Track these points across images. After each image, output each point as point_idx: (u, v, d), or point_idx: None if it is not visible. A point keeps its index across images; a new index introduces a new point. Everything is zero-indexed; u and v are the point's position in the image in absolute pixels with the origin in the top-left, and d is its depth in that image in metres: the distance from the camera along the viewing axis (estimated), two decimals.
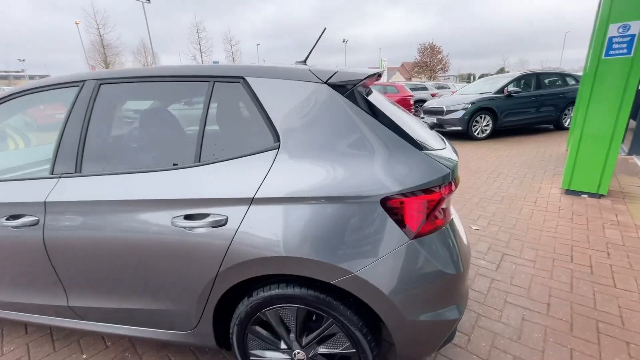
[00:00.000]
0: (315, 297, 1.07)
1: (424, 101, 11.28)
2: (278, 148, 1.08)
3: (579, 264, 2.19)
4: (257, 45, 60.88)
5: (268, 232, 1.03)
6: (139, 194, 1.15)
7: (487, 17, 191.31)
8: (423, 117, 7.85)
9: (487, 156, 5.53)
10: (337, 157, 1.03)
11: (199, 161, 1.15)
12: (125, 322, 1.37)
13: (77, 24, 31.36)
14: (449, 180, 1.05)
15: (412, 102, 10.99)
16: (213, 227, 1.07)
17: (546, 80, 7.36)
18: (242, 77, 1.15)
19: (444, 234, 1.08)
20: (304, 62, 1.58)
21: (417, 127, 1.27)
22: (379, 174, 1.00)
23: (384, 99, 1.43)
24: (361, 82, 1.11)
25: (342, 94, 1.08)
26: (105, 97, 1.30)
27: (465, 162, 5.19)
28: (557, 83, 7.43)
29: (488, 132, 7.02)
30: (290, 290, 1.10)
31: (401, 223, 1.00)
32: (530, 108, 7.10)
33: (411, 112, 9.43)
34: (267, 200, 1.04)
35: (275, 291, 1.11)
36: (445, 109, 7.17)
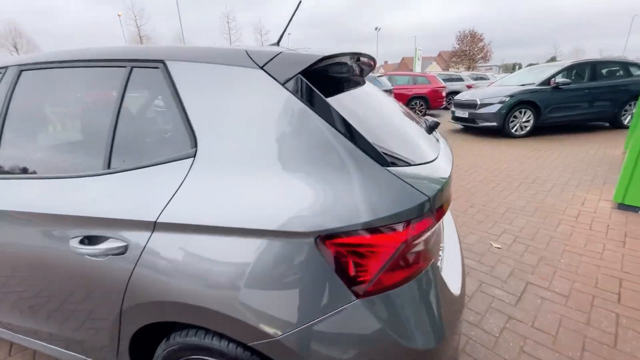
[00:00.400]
0: (238, 354, 0.81)
1: (458, 93, 10.46)
2: (194, 156, 0.81)
3: (630, 307, 1.71)
4: (289, 34, 60.60)
5: (168, 269, 0.78)
6: (37, 205, 0.95)
7: (537, 1, 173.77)
8: (454, 111, 7.20)
9: (524, 157, 4.85)
10: (266, 173, 0.74)
11: (108, 168, 0.91)
12: (55, 344, 1.21)
13: (119, 15, 33.20)
14: (426, 210, 0.72)
15: (444, 94, 10.22)
16: (111, 255, 0.84)
17: (604, 71, 6.35)
18: (162, 61, 0.89)
19: (418, 287, 0.76)
20: (277, 44, 1.29)
21: (400, 131, 0.94)
22: (318, 200, 0.69)
23: (367, 92, 1.10)
24: (312, 67, 0.80)
25: (282, 83, 0.78)
26: (24, 86, 1.10)
27: (496, 163, 4.59)
28: (618, 74, 6.39)
29: (528, 129, 6.24)
30: (207, 341, 0.84)
31: (345, 274, 0.69)
32: (582, 102, 6.17)
33: (443, 105, 8.62)
34: (171, 227, 0.78)
35: (192, 339, 0.87)
36: (478, 102, 6.48)
